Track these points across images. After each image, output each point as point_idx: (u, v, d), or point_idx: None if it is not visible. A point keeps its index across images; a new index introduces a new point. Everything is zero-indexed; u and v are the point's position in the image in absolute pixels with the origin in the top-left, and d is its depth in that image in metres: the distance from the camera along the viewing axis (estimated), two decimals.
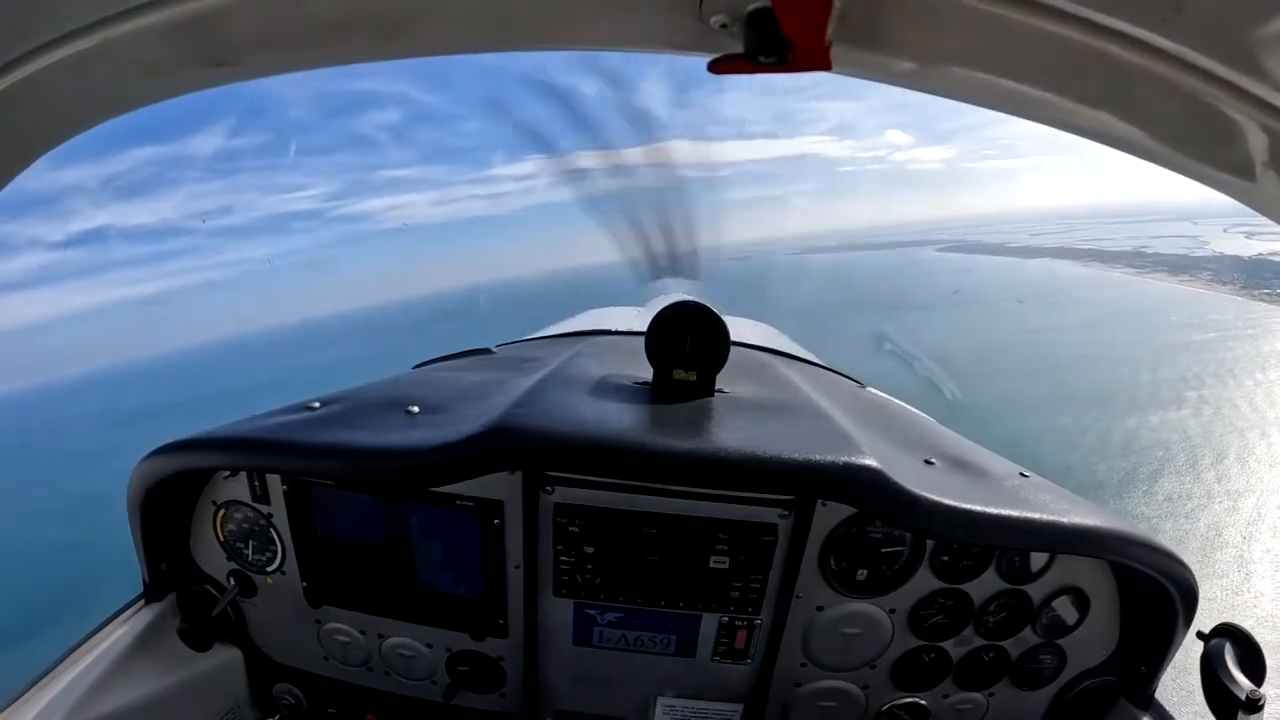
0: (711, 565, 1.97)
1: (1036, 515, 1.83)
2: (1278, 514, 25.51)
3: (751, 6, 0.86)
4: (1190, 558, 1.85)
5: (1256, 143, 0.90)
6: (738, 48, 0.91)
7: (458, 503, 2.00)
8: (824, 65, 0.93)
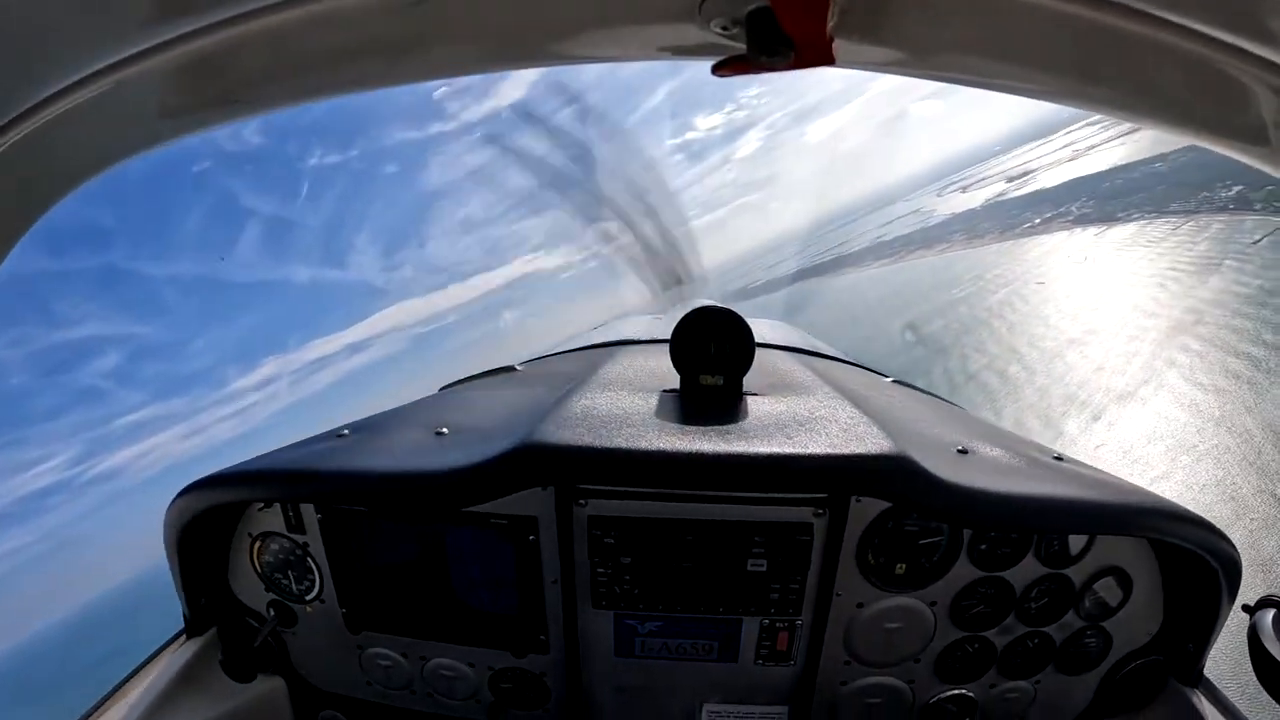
0: (749, 568, 1.95)
1: (1074, 497, 1.80)
2: None
3: (750, 7, 0.86)
4: None
5: (1269, 107, 0.89)
6: (740, 49, 0.92)
7: (492, 521, 1.99)
8: (827, 60, 0.93)
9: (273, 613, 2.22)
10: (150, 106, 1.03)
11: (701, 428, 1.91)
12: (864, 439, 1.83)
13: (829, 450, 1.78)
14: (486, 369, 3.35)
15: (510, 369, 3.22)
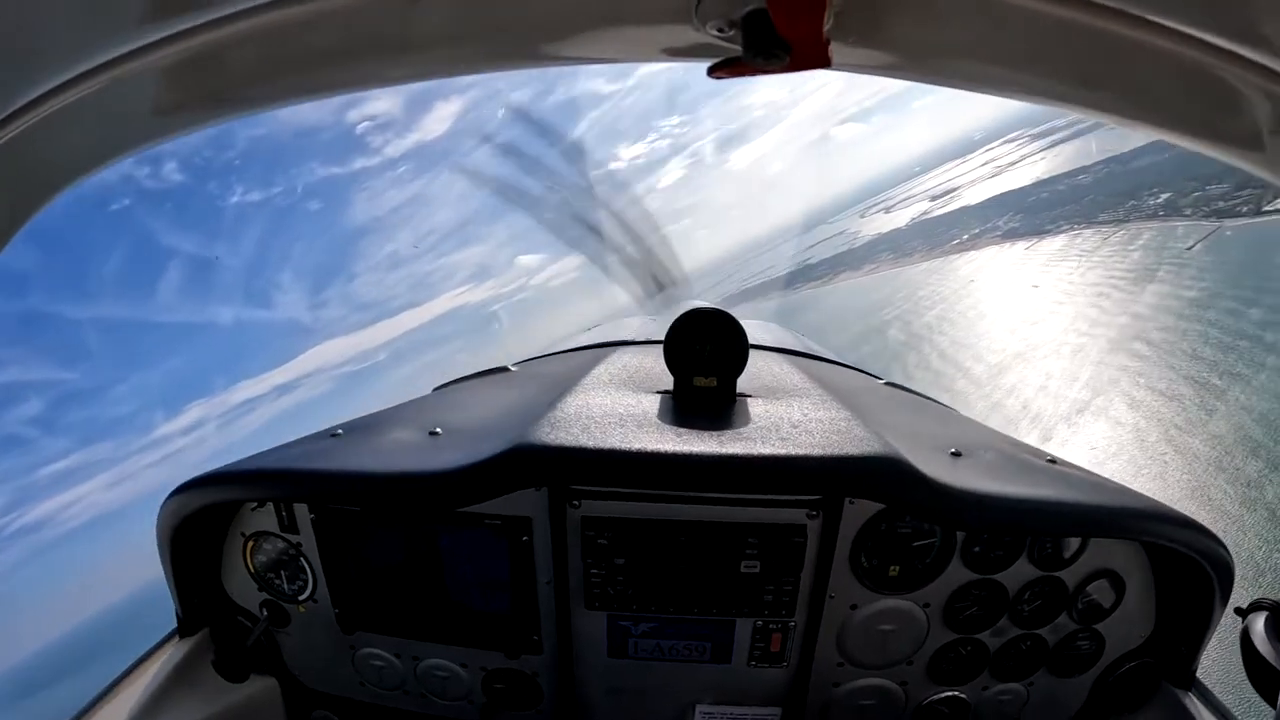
0: (742, 570, 1.95)
1: (1067, 499, 1.81)
2: None
3: (746, 9, 0.86)
4: None
5: (1262, 111, 0.90)
6: (736, 51, 0.92)
7: (485, 522, 2.00)
8: (823, 63, 0.93)
9: (265, 613, 2.22)
10: (146, 104, 1.03)
11: (695, 429, 1.91)
12: (857, 441, 1.84)
13: (822, 452, 1.78)
14: (481, 369, 3.33)
15: (504, 369, 3.22)
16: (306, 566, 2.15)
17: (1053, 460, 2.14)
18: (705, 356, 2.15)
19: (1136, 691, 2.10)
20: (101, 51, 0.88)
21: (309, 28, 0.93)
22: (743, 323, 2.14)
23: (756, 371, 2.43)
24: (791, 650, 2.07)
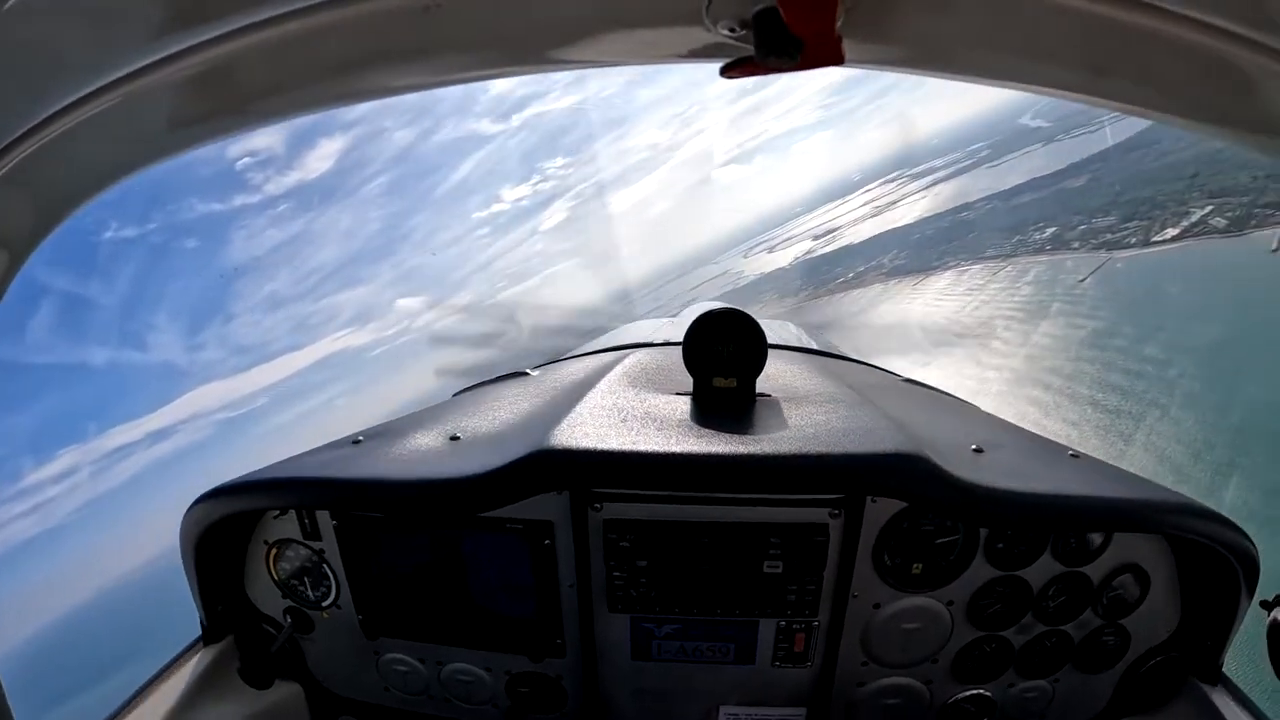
0: (765, 570, 1.95)
1: (1090, 494, 1.81)
2: None
3: (757, 8, 0.85)
4: None
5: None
6: (748, 52, 0.91)
7: (507, 526, 1.99)
8: (836, 59, 0.92)
9: (289, 619, 2.23)
10: (161, 118, 1.04)
11: (716, 430, 1.91)
12: (878, 439, 1.83)
13: (843, 450, 1.78)
14: (499, 374, 3.32)
15: (523, 374, 3.22)
16: (329, 573, 2.15)
17: (1075, 454, 2.14)
18: (724, 357, 2.15)
19: (1163, 687, 2.08)
20: (120, 65, 0.88)
21: (323, 38, 0.94)
22: (761, 323, 2.14)
23: (775, 371, 2.45)
24: (815, 650, 2.06)
